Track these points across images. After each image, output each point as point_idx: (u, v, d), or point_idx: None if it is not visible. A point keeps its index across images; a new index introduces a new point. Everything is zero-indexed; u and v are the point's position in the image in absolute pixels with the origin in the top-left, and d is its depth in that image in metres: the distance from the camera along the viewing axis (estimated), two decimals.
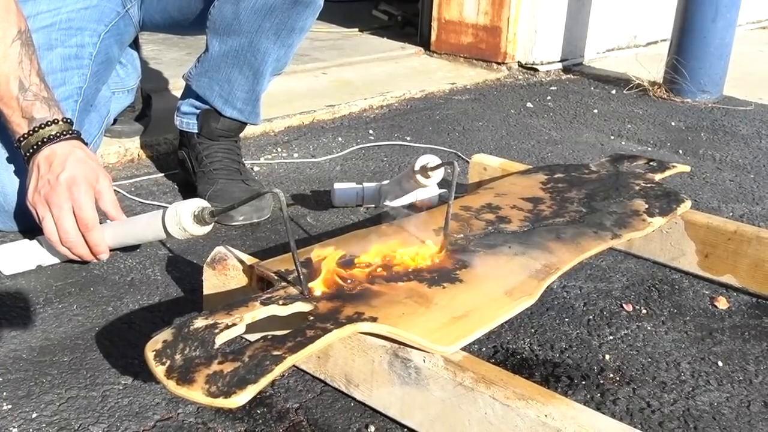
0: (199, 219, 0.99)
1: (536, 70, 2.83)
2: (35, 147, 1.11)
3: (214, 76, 1.40)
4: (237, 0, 1.30)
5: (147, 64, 2.37)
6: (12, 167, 1.22)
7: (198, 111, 1.46)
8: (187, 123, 1.48)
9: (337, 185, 1.49)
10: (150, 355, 0.75)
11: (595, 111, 2.37)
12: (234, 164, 1.46)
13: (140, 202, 1.47)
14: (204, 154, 1.46)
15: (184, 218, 0.99)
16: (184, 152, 1.51)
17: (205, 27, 1.39)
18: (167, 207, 1.03)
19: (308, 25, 1.37)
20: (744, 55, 3.10)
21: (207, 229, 1.01)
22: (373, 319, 0.81)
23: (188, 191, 1.52)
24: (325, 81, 2.49)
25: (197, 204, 1.00)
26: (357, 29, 3.40)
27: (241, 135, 1.53)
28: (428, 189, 1.40)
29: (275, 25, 1.33)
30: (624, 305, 1.17)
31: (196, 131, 1.47)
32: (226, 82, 1.40)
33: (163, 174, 1.63)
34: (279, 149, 1.84)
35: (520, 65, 2.87)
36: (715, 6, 2.42)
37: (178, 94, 2.13)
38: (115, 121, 1.70)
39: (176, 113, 1.50)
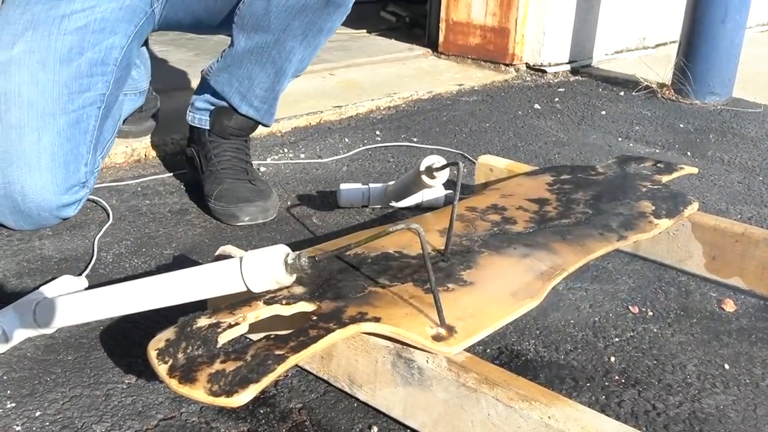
0: (294, 268, 0.82)
1: (544, 71, 2.82)
2: None
3: (235, 71, 1.40)
4: None
5: (154, 65, 2.37)
6: (31, 168, 1.22)
7: (212, 108, 1.46)
8: (200, 119, 1.48)
9: (343, 186, 1.49)
10: (153, 353, 0.75)
11: (603, 113, 2.36)
12: (242, 164, 1.46)
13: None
14: (213, 152, 1.46)
15: (278, 270, 0.82)
16: (193, 149, 1.51)
17: (227, 29, 1.38)
18: (230, 259, 0.86)
19: (335, 26, 1.36)
20: (753, 56, 3.09)
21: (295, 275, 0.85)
22: (377, 320, 0.81)
23: (195, 192, 1.52)
24: (333, 82, 2.49)
25: (283, 251, 0.84)
26: (365, 30, 3.40)
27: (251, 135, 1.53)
28: (434, 189, 1.39)
29: (304, 25, 1.32)
30: (630, 307, 1.16)
31: (208, 128, 1.47)
32: (247, 78, 1.40)
33: (169, 174, 1.63)
34: (286, 150, 1.84)
35: (528, 67, 2.86)
36: (725, 7, 2.40)
37: (185, 94, 2.14)
38: (123, 121, 1.70)
39: (189, 109, 1.50)
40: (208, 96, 1.46)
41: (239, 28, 1.37)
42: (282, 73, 1.40)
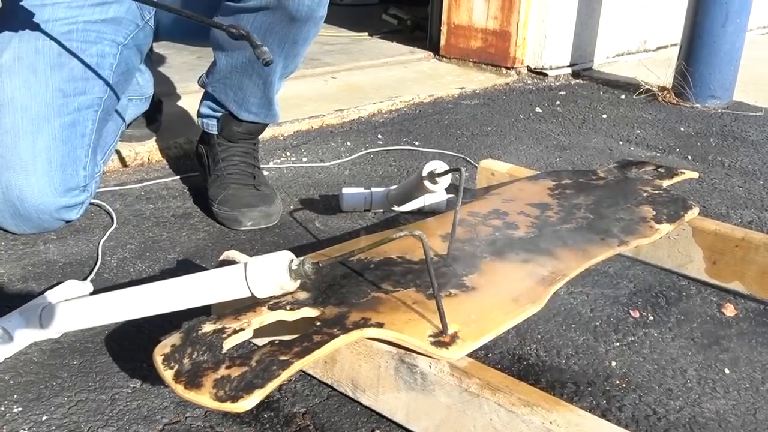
0: (298, 274, 0.83)
1: (545, 74, 2.83)
2: None
3: (227, 82, 1.42)
4: (235, 19, 1.30)
5: (157, 68, 2.39)
6: (27, 171, 1.23)
7: (217, 114, 1.48)
8: (208, 124, 1.50)
9: (345, 190, 1.49)
10: (158, 359, 0.76)
11: (604, 116, 2.37)
12: (249, 168, 1.47)
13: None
14: (221, 156, 1.47)
15: (282, 276, 0.83)
16: (203, 149, 1.53)
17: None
18: (235, 264, 0.87)
19: (312, 35, 1.36)
20: (754, 60, 3.09)
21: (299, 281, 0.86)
22: (380, 325, 0.82)
23: (198, 195, 1.53)
24: (334, 85, 2.50)
25: (287, 257, 0.84)
26: (366, 33, 3.41)
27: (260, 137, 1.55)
28: (436, 194, 1.40)
29: (278, 39, 1.32)
30: (631, 312, 1.17)
31: (217, 132, 1.48)
32: (239, 89, 1.41)
33: (173, 178, 1.64)
34: (288, 153, 1.84)
35: (530, 70, 2.87)
36: (726, 11, 2.41)
37: (188, 98, 2.15)
38: (127, 126, 1.71)
39: (197, 113, 1.52)
40: (210, 103, 1.48)
41: (216, 48, 1.39)
42: (270, 83, 1.40)
